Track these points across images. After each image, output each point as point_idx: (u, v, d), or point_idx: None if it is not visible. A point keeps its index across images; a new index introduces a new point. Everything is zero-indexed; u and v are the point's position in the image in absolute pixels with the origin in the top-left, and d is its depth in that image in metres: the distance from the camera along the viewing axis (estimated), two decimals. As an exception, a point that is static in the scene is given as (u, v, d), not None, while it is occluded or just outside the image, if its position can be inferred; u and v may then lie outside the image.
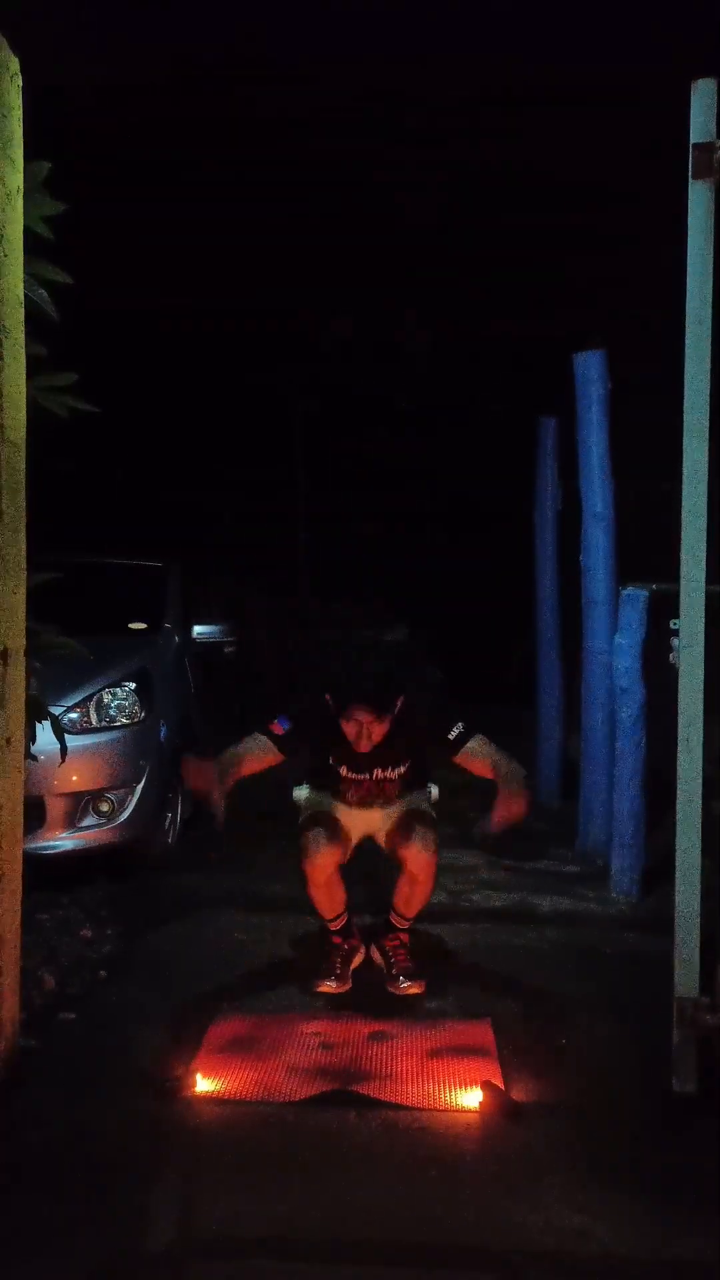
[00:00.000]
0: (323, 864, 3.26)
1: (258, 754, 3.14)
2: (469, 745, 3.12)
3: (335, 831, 3.29)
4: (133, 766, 4.41)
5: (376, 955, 3.47)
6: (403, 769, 3.31)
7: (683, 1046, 2.60)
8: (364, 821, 3.39)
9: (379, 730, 3.09)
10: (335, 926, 3.43)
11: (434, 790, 3.51)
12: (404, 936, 3.44)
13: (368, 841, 3.45)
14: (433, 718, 3.20)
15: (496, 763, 3.09)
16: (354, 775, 3.30)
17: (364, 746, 3.11)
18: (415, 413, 13.08)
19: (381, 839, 3.41)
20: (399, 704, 3.12)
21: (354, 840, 3.39)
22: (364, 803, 3.36)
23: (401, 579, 12.48)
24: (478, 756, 3.13)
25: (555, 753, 6.22)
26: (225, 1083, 2.69)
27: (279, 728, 3.16)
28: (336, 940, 3.42)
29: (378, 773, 3.28)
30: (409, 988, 3.29)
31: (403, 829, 3.31)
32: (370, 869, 3.74)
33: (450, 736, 3.14)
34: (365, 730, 3.07)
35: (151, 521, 9.65)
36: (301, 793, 3.46)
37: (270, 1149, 2.40)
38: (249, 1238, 2.09)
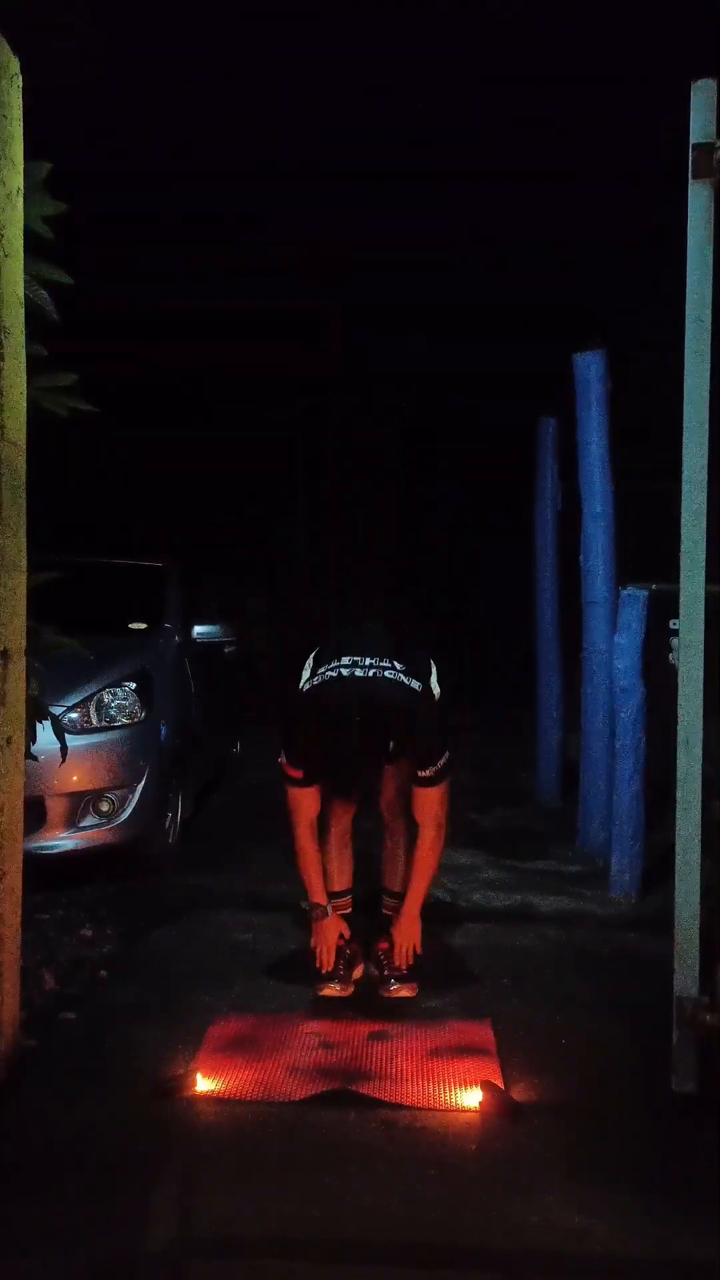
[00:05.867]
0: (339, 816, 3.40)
1: (306, 809, 3.22)
2: (432, 790, 3.13)
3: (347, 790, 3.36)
4: (133, 766, 4.41)
5: (373, 969, 3.44)
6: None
7: (682, 1046, 2.60)
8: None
9: None
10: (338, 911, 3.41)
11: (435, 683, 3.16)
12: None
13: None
14: (422, 734, 3.08)
15: (431, 837, 3.18)
16: None
17: None
18: (414, 412, 13.09)
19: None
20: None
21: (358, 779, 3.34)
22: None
23: (401, 577, 12.48)
24: (428, 805, 3.15)
25: (555, 753, 6.22)
26: (225, 1083, 2.69)
27: (294, 771, 3.19)
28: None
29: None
30: (399, 990, 3.28)
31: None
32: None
33: (422, 774, 3.12)
34: None
35: (151, 521, 9.65)
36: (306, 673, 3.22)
37: (270, 1149, 2.40)
38: (249, 1238, 2.09)
